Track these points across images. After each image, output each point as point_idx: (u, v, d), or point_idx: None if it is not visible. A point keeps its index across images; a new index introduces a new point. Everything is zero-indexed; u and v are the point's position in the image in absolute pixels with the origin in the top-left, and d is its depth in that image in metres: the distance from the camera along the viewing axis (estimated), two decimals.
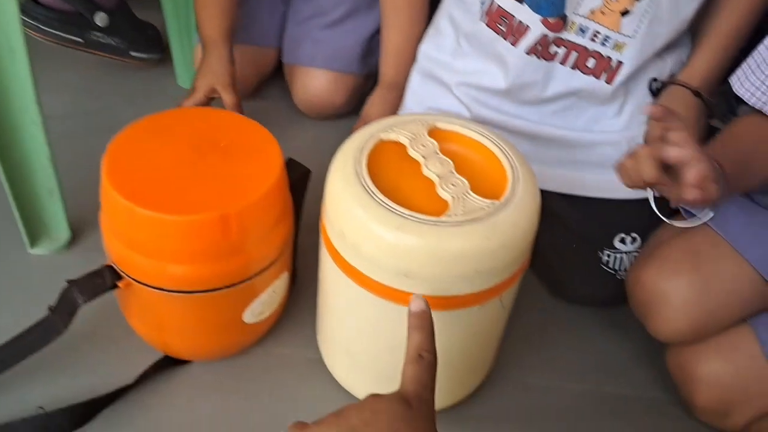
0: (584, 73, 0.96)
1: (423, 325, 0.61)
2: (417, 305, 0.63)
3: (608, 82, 0.96)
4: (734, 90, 0.83)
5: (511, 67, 0.97)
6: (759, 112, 0.82)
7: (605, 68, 0.95)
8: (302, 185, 0.94)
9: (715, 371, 0.83)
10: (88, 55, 1.31)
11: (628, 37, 0.92)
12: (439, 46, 1.06)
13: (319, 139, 1.28)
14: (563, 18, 0.91)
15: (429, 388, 0.56)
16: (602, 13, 0.91)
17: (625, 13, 0.91)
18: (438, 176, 0.73)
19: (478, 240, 0.67)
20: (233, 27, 1.16)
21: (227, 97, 1.11)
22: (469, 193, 0.71)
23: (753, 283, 0.82)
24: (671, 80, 0.99)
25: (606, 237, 0.99)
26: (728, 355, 0.83)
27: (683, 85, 0.98)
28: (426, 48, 1.09)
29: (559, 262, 1.03)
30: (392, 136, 0.78)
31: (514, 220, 0.69)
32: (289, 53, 1.31)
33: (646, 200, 0.97)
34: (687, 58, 1.00)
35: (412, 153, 0.76)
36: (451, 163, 0.74)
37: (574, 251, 1.01)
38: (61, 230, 1.02)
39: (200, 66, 1.14)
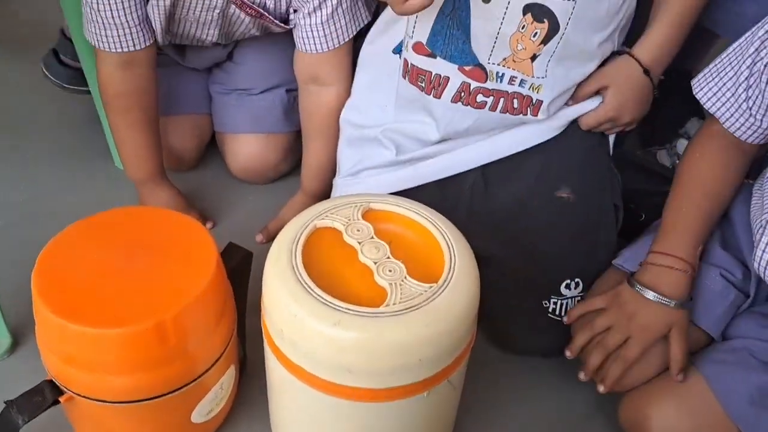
0: (513, 114, 0.97)
1: None
2: None
3: (534, 115, 0.98)
4: (694, 92, 0.86)
5: (440, 118, 0.98)
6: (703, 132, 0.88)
7: (528, 104, 0.97)
8: (245, 269, 0.92)
9: (669, 416, 0.84)
10: (22, 143, 1.30)
11: (541, 78, 0.94)
12: (362, 112, 1.06)
13: (261, 205, 1.27)
14: (481, 68, 0.93)
15: None
16: (514, 60, 0.93)
17: (534, 57, 0.92)
18: (374, 262, 0.72)
19: (418, 328, 0.66)
20: (162, 161, 1.17)
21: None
22: (406, 279, 0.71)
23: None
24: (623, 50, 0.99)
25: (552, 284, 0.99)
26: (681, 400, 0.84)
27: (634, 58, 0.97)
28: (349, 116, 1.08)
29: (503, 313, 1.02)
30: (327, 222, 0.77)
31: (453, 303, 0.69)
32: (219, 122, 1.30)
33: (587, 241, 0.98)
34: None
35: (347, 239, 0.75)
36: (387, 247, 0.74)
37: (519, 302, 1.00)
38: (0, 336, 0.99)
39: (142, 201, 1.17)
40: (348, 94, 1.09)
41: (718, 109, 0.85)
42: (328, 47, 1.04)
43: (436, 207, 0.84)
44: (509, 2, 0.87)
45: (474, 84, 0.94)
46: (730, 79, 0.83)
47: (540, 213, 0.98)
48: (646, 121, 1.05)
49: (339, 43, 1.03)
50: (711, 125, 0.88)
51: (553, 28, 0.89)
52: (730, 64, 0.84)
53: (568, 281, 0.98)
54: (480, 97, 0.95)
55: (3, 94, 1.50)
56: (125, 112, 1.09)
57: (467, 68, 0.93)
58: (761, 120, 0.82)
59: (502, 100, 0.95)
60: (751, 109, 0.82)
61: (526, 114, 0.97)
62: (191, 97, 1.28)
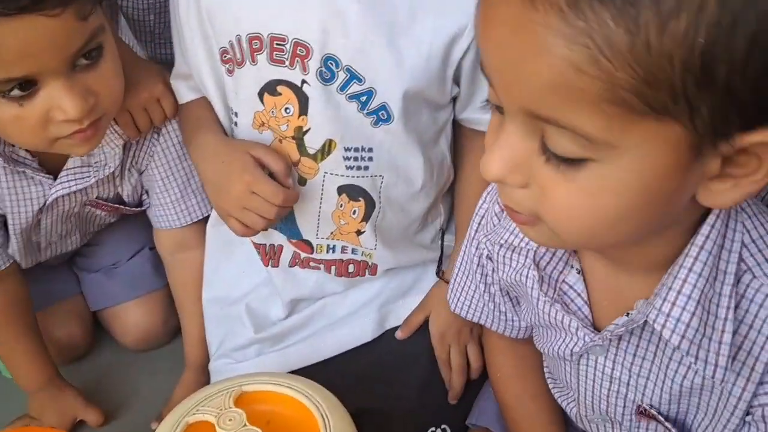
0: (350, 278, 0.98)
1: None
2: None
3: (372, 274, 0.99)
4: (452, 309, 0.85)
5: (281, 285, 0.99)
6: None
7: (365, 267, 0.98)
8: None
9: None
10: None
11: (372, 249, 0.96)
12: (218, 285, 1.06)
13: (156, 384, 1.22)
14: (306, 242, 0.95)
15: None
16: (341, 233, 0.94)
17: (359, 232, 0.94)
18: None
19: None
20: (54, 363, 1.13)
21: (91, 417, 1.11)
22: None
23: None
24: (439, 274, 1.01)
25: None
26: None
27: (446, 281, 0.97)
28: (210, 295, 1.07)
29: None
30: (198, 417, 0.75)
31: None
32: (94, 301, 1.27)
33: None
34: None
35: None
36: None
37: None
38: None
39: (36, 409, 1.11)
40: None
41: (479, 318, 0.84)
42: (184, 222, 1.04)
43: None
44: (323, 185, 0.89)
45: (303, 254, 0.96)
46: (474, 293, 0.83)
47: (411, 366, 1.00)
48: None
49: (194, 219, 1.05)
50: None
51: (370, 205, 0.91)
52: (467, 276, 0.83)
53: (434, 429, 0.98)
54: (312, 263, 0.97)
55: None
56: (6, 326, 1.07)
57: (293, 241, 0.96)
58: (514, 320, 0.82)
59: (333, 267, 0.97)
60: (503, 312, 0.82)
61: (364, 275, 0.99)
62: (60, 283, 1.25)
